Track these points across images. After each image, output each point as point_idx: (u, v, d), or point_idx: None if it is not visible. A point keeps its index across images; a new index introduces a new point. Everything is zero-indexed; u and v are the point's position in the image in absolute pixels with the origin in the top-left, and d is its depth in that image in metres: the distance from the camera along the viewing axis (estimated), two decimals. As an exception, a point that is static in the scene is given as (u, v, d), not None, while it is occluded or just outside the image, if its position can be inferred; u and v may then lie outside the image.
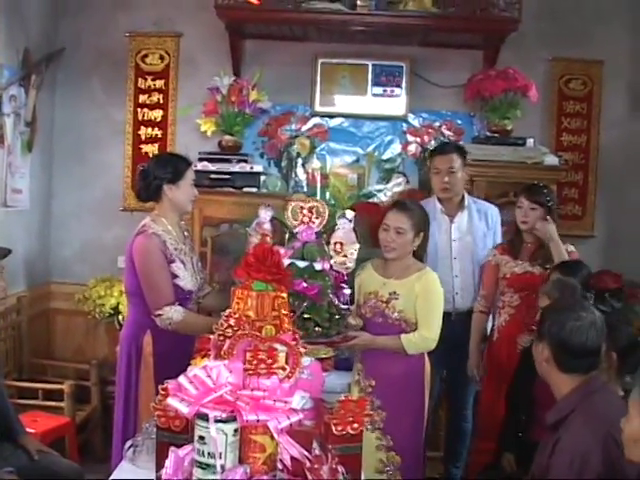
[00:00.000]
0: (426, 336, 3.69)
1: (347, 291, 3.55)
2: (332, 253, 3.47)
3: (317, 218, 3.50)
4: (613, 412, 2.36)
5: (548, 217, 4.22)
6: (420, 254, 3.87)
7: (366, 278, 3.86)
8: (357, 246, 3.50)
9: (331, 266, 3.45)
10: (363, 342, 3.65)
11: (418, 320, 3.70)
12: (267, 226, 3.54)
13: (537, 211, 4.23)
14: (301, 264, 3.42)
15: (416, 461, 3.78)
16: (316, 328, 3.36)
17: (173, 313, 3.64)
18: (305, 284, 3.31)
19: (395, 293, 3.73)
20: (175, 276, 3.72)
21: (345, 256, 3.47)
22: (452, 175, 4.44)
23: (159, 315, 3.63)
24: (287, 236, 3.57)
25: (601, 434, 2.43)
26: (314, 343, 3.33)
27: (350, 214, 3.56)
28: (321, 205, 3.53)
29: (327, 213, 3.52)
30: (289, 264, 3.36)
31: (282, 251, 3.45)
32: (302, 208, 3.50)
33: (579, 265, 3.94)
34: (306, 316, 3.31)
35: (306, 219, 3.50)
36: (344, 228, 3.50)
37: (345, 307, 3.51)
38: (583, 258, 5.27)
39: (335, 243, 3.47)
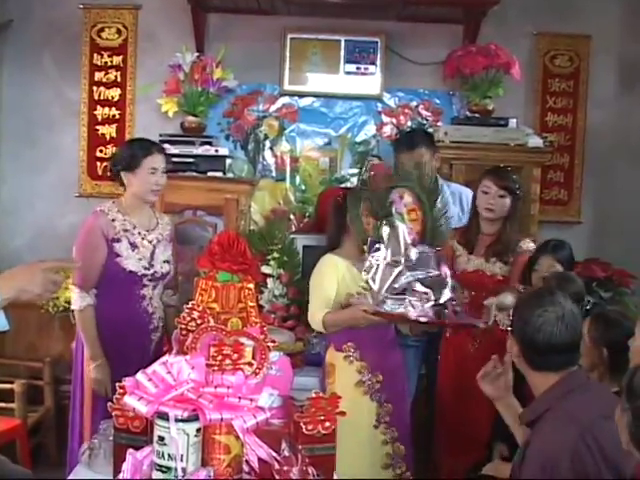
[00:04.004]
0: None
1: None
2: None
3: None
4: (592, 412, 2.35)
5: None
6: None
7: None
8: None
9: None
10: None
11: None
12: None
13: (506, 199, 4.08)
14: None
15: (405, 430, 3.88)
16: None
17: (77, 296, 3.76)
18: None
19: None
20: (117, 255, 3.80)
21: None
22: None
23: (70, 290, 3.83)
24: None
25: (571, 438, 2.40)
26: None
27: None
28: None
29: None
30: None
31: None
32: None
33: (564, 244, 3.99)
34: None
35: None
36: None
37: None
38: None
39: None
